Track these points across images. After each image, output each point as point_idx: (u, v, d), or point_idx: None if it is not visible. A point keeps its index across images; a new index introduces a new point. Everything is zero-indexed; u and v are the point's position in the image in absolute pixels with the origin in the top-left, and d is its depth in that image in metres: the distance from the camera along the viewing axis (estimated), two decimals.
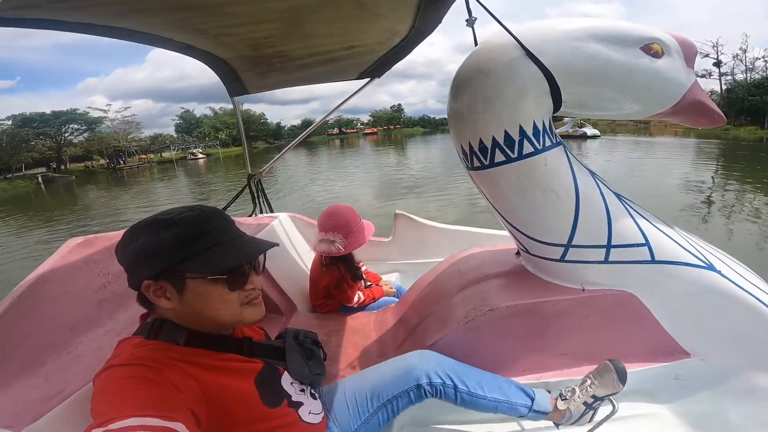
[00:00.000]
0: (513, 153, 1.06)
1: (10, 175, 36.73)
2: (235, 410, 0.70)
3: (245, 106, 72.37)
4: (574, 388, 1.01)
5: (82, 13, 0.95)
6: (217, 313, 0.71)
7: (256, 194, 2.41)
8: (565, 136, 30.22)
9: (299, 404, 0.83)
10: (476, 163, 1.13)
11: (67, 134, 44.36)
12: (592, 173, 1.14)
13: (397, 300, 1.81)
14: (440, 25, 1.41)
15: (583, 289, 1.12)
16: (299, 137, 2.79)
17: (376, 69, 1.95)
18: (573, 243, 1.09)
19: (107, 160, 46.30)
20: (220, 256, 0.69)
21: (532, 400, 1.00)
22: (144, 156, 50.23)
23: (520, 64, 1.02)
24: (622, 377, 0.95)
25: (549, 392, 1.05)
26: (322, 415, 0.89)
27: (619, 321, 1.13)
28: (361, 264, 1.98)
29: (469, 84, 1.09)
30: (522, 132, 1.04)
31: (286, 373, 0.85)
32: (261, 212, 2.43)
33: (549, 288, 1.16)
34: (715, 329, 1.08)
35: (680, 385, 1.11)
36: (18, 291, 1.05)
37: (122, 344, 0.69)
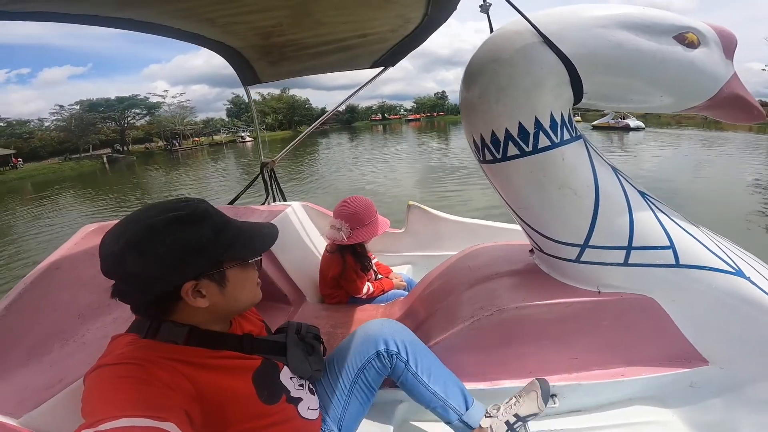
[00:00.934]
0: (527, 146, 1.00)
1: (77, 156, 40.02)
2: (232, 408, 0.69)
3: (291, 92, 73.31)
4: (500, 405, 0.96)
5: (83, 4, 0.94)
6: (248, 296, 0.74)
7: (269, 182, 2.42)
8: (606, 128, 28.34)
9: (298, 400, 0.81)
10: (488, 156, 1.08)
11: (129, 118, 47.88)
12: (615, 169, 1.07)
13: (407, 293, 1.79)
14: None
15: (599, 292, 1.07)
16: (310, 128, 2.88)
17: (389, 57, 1.89)
18: (590, 243, 1.03)
19: (165, 142, 49.34)
20: (251, 239, 0.72)
21: (466, 409, 0.94)
22: (197, 139, 53.20)
23: (536, 53, 0.95)
24: (545, 396, 0.91)
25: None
26: (319, 410, 0.88)
27: (636, 326, 1.07)
28: (373, 256, 1.96)
29: (482, 73, 1.03)
30: (538, 124, 0.98)
31: (285, 368, 0.83)
32: (274, 200, 2.44)
33: (562, 289, 1.11)
34: (740, 338, 1.01)
35: (694, 393, 1.07)
36: (30, 278, 1.07)
37: (114, 342, 0.68)
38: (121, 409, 0.52)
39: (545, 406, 0.91)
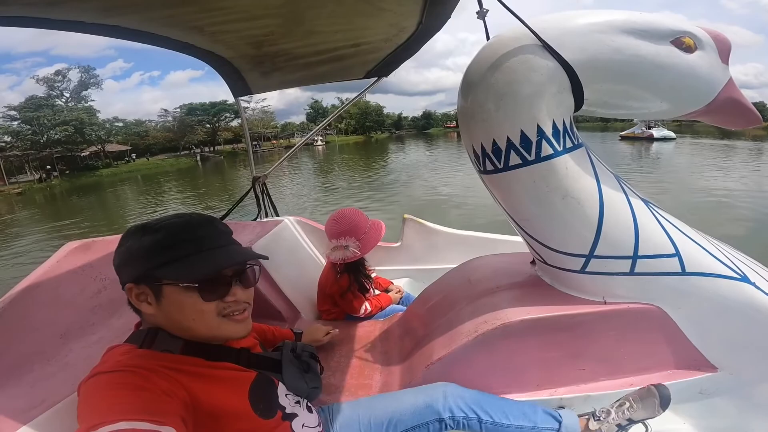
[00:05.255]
0: (530, 155, 0.97)
1: (178, 153, 47.70)
2: (226, 420, 0.68)
3: (368, 96, 73.77)
4: (609, 410, 0.98)
5: (66, 10, 0.90)
6: (192, 323, 0.69)
7: (261, 197, 2.36)
8: (633, 138, 27.52)
9: (293, 416, 0.80)
10: (489, 167, 1.05)
11: (221, 120, 53.25)
12: (618, 177, 1.05)
13: (405, 308, 1.74)
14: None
15: (605, 302, 1.04)
16: (301, 141, 2.87)
17: (383, 68, 1.88)
18: (595, 253, 1.00)
19: None
20: (196, 264, 0.68)
21: (560, 423, 0.96)
22: (275, 141, 58.51)
23: (536, 59, 0.94)
24: (665, 403, 0.92)
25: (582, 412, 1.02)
26: (319, 429, 0.86)
27: (643, 335, 1.05)
28: (372, 271, 1.92)
29: (480, 80, 1.01)
30: (540, 132, 0.96)
31: (281, 384, 0.82)
32: (267, 216, 2.38)
33: (566, 300, 1.08)
34: (748, 343, 1.00)
35: (705, 400, 1.05)
36: (8, 297, 1.02)
37: (110, 352, 0.68)
38: (120, 412, 0.52)
39: (663, 411, 0.93)
